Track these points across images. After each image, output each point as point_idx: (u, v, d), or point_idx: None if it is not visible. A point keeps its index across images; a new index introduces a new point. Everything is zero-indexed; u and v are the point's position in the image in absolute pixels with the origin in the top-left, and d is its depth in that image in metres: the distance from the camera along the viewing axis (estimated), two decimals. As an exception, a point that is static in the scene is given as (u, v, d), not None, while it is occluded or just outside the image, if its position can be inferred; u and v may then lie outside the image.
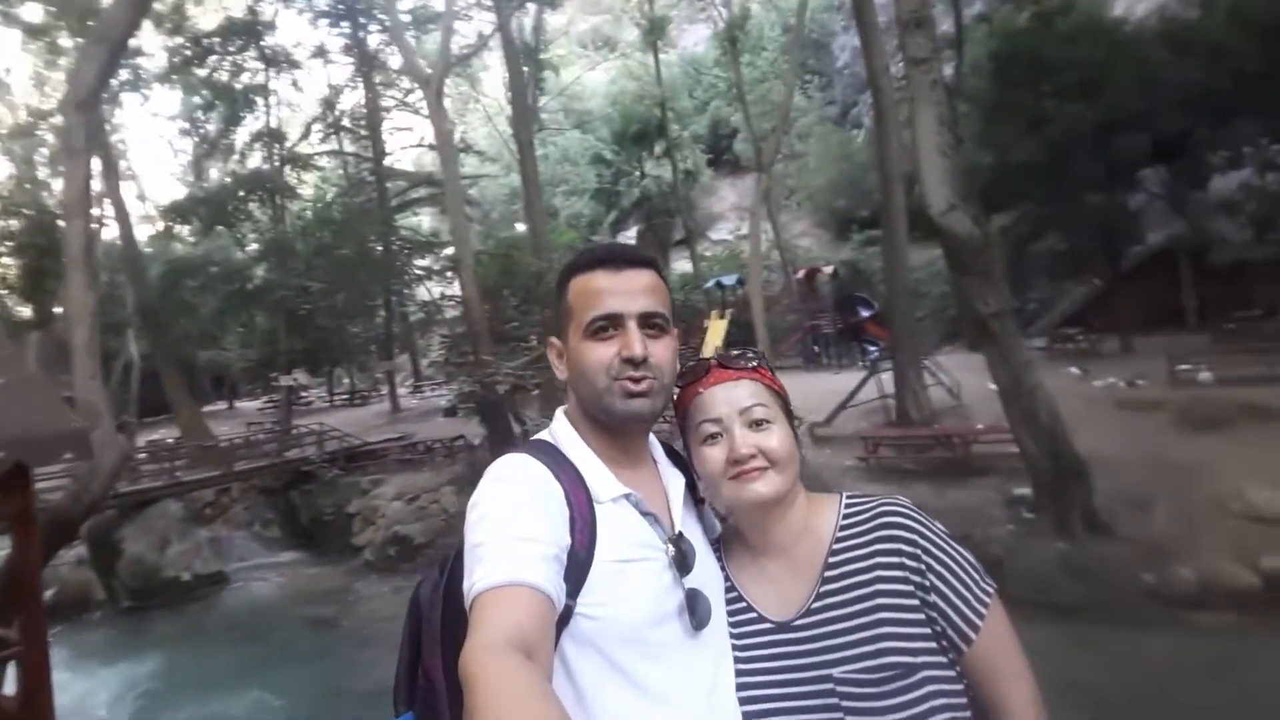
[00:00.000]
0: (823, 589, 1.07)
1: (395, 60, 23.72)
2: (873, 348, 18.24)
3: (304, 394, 25.87)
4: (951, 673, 1.01)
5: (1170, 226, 19.70)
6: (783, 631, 1.08)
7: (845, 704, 1.00)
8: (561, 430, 1.12)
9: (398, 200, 23.52)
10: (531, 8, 18.22)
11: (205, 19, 23.03)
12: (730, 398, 1.11)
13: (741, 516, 1.14)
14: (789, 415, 1.14)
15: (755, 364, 1.15)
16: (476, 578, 0.88)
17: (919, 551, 1.04)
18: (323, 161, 25.59)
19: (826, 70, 33.55)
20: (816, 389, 14.10)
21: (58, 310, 20.03)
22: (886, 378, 13.04)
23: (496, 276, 15.28)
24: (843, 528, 1.10)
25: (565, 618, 0.94)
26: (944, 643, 1.02)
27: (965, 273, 8.21)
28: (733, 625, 1.11)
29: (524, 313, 15.99)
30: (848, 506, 1.13)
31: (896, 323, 13.00)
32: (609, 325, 1.05)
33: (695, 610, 1.02)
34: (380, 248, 20.79)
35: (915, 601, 1.02)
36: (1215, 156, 15.34)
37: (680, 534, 1.07)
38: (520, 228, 21.55)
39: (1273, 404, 10.01)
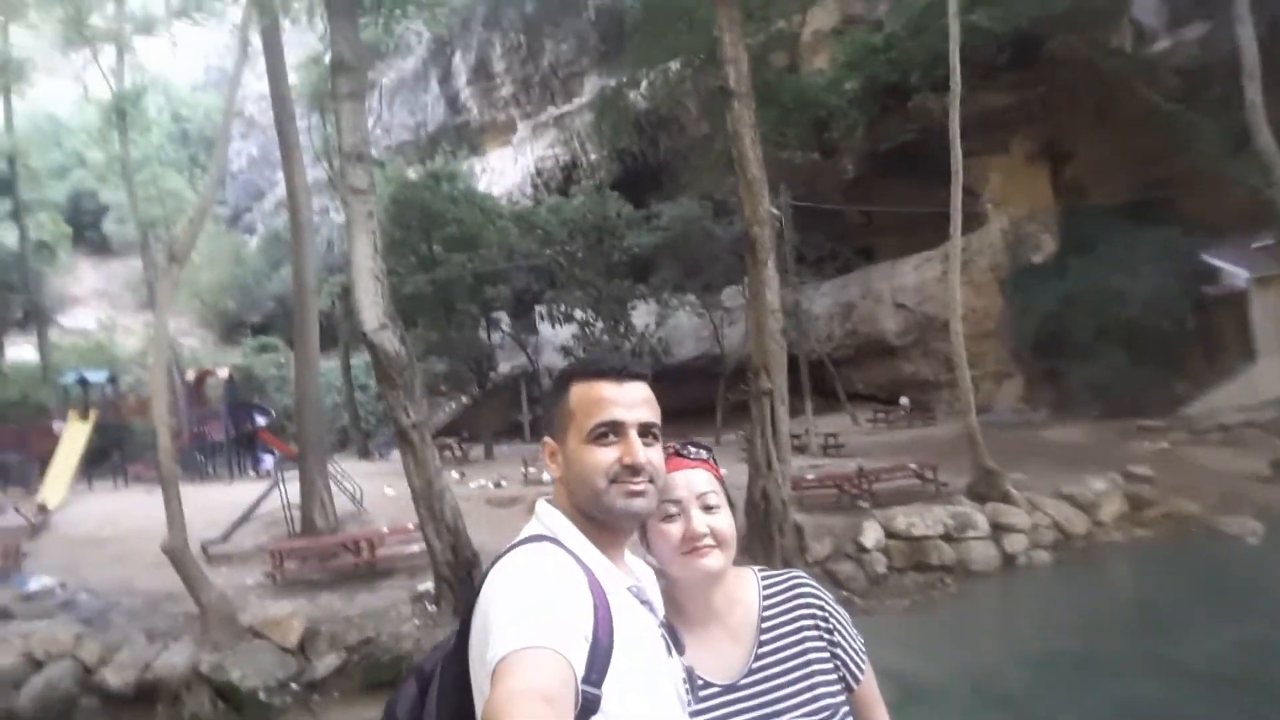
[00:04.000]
0: (760, 650, 1.21)
1: None
2: (266, 456, 16.90)
3: None
4: (848, 707, 1.23)
5: (516, 359, 24.03)
6: (730, 692, 1.17)
7: None
8: (560, 525, 1.07)
9: None
10: None
11: None
12: (689, 482, 1.20)
13: (688, 588, 1.22)
14: (730, 500, 1.26)
15: (706, 456, 1.26)
16: (502, 643, 0.84)
17: (826, 615, 1.25)
18: None
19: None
20: (207, 502, 12.31)
21: None
22: (288, 488, 12.23)
23: None
24: (766, 598, 1.26)
25: (593, 708, 0.89)
26: (843, 684, 1.23)
27: (392, 386, 8.57)
28: None
29: None
30: (764, 580, 1.29)
31: (305, 431, 12.47)
32: (610, 432, 1.07)
33: (692, 686, 1.08)
34: None
35: (828, 654, 1.22)
36: (554, 310, 19.51)
37: (666, 619, 1.11)
38: None
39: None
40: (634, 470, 1.07)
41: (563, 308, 18.95)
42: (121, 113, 17.43)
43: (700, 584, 1.22)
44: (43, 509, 12.63)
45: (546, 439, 1.16)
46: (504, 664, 0.83)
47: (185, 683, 7.42)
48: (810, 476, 12.68)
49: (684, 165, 20.82)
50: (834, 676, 1.22)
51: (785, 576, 1.32)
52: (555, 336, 20.78)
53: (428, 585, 9.53)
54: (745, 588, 1.28)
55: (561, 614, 0.90)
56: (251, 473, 17.22)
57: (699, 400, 20.35)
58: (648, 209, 20.22)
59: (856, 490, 11.91)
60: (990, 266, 19.39)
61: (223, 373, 19.91)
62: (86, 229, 27.59)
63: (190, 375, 19.85)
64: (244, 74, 12.96)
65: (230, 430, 17.99)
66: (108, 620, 8.56)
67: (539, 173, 28.51)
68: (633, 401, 1.10)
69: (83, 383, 17.87)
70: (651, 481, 1.10)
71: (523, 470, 15.49)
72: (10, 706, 7.42)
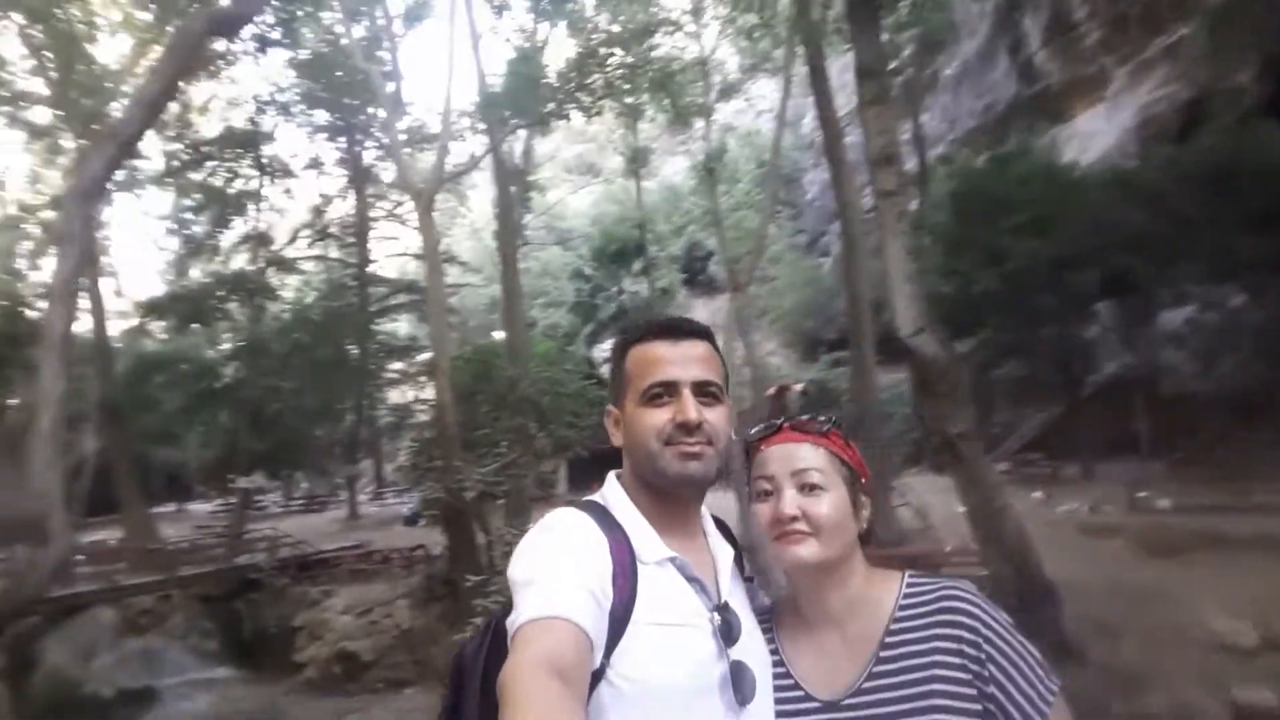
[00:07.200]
0: (876, 668, 1.04)
1: (388, 174, 24.74)
2: (840, 466, 18.38)
3: (260, 498, 25.14)
4: None
5: (1122, 357, 20.54)
6: (830, 711, 1.04)
7: None
8: (612, 493, 1.11)
9: (377, 305, 23.85)
10: (522, 133, 19.27)
11: (207, 126, 23.80)
12: (785, 456, 1.11)
13: (795, 580, 1.13)
14: (854, 485, 1.12)
15: (826, 430, 1.14)
16: (521, 611, 0.90)
17: (980, 640, 1.00)
18: (307, 266, 26.02)
19: (797, 202, 35.46)
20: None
21: (11, 402, 19.38)
22: (856, 496, 13.06)
23: (471, 382, 15.31)
24: (903, 606, 1.07)
25: (598, 677, 0.92)
26: None
27: (932, 394, 8.44)
28: (778, 703, 1.07)
29: (494, 418, 15.89)
30: (910, 585, 1.09)
31: (866, 442, 13.16)
32: (664, 392, 1.07)
33: (740, 685, 0.99)
34: (357, 350, 20.91)
35: (973, 691, 0.98)
36: (1162, 293, 16.23)
37: (725, 604, 1.05)
38: (498, 336, 21.98)
39: (1230, 533, 10.14)
40: (687, 429, 1.03)
41: (1170, 288, 15.52)
42: (710, 170, 21.65)
43: (796, 575, 1.09)
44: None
45: (609, 407, 1.15)
46: (520, 633, 0.87)
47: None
48: None
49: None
50: (973, 718, 0.95)
51: (936, 585, 1.05)
52: (1173, 324, 17.16)
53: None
54: (880, 592, 1.08)
55: (576, 580, 0.91)
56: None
57: None
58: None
59: None
60: None
61: (798, 386, 22.59)
62: (698, 273, 34.99)
63: (771, 390, 23.15)
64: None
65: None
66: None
67: (1145, 124, 24.10)
68: (687, 359, 1.07)
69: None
70: (710, 444, 1.04)
71: (1130, 494, 13.18)
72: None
